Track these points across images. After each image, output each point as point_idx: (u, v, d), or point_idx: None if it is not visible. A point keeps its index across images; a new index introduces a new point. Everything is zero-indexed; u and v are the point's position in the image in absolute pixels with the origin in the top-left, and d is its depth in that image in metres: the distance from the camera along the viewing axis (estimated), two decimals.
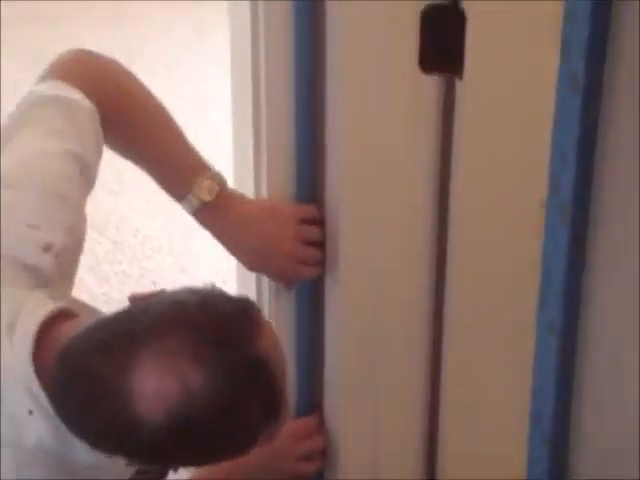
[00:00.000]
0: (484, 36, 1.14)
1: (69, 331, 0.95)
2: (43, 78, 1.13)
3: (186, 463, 1.02)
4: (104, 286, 2.65)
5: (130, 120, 1.20)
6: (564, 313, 0.81)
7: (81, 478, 1.00)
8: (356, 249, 1.25)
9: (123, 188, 3.04)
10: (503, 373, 1.21)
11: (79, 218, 1.13)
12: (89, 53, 1.19)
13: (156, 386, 0.90)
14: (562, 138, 0.80)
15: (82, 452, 0.96)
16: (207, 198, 1.21)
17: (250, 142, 1.36)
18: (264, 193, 1.34)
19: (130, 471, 1.04)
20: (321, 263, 1.29)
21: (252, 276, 1.45)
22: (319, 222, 1.28)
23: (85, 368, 0.93)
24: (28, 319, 0.96)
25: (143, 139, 1.22)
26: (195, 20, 4.08)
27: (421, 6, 1.14)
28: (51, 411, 0.94)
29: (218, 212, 1.23)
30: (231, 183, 1.33)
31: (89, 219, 3.24)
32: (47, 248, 1.02)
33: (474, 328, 1.24)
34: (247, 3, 1.30)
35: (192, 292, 0.96)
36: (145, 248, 2.77)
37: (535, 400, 0.87)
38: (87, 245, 2.69)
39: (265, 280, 1.40)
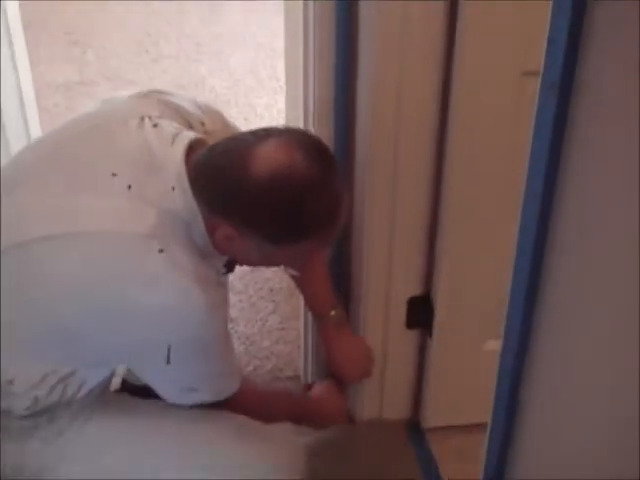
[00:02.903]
0: None
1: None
2: None
3: (273, 232, 1.16)
4: None
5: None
6: None
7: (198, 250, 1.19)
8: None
9: (202, 57, 3.42)
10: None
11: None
12: None
13: (269, 154, 1.12)
14: None
15: (199, 232, 1.18)
16: (335, 321, 1.63)
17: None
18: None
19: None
20: None
21: (297, 104, 1.77)
22: None
23: (222, 148, 1.17)
24: (185, 134, 1.23)
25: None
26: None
27: None
28: (187, 189, 1.16)
29: (338, 327, 1.64)
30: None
31: (177, 81, 3.67)
32: (202, 124, 1.32)
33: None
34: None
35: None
36: (217, 102, 3.05)
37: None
38: None
39: (308, 108, 1.67)
